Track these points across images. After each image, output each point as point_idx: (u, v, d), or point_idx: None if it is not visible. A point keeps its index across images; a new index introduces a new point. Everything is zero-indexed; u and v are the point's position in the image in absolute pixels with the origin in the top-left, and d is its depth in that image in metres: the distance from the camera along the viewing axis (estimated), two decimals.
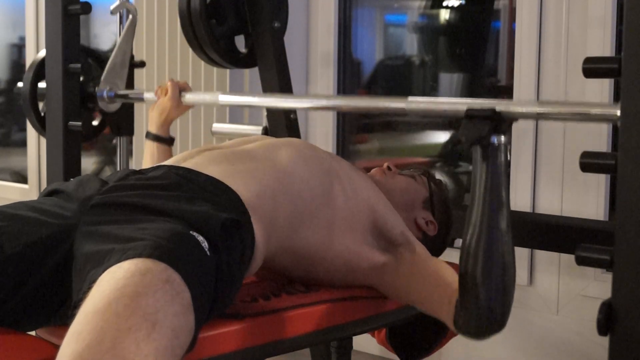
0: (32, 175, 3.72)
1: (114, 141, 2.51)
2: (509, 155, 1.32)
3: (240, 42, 2.22)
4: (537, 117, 1.37)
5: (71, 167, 2.23)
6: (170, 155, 1.93)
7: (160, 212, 1.21)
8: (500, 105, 1.33)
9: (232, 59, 2.20)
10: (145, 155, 1.96)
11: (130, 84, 2.31)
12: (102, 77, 2.23)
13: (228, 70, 2.70)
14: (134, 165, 2.80)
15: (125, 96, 2.24)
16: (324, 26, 2.83)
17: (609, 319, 1.15)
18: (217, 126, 2.37)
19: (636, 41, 1.12)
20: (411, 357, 1.75)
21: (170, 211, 1.21)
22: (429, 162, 2.87)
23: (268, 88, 2.15)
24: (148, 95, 2.12)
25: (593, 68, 1.24)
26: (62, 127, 2.20)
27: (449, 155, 2.86)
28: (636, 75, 1.13)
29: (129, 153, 2.49)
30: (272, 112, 2.16)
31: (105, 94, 2.23)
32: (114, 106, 2.28)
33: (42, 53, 2.28)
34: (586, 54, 2.15)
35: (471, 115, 1.32)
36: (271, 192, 1.40)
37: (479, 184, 1.31)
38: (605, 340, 1.17)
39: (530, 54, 2.31)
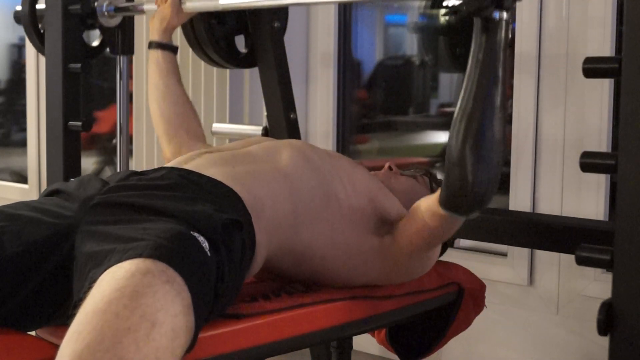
0: (32, 175, 3.72)
1: (114, 141, 2.51)
2: (509, 34, 1.29)
3: (240, 42, 2.22)
4: None
5: (71, 167, 2.23)
6: (176, 64, 1.92)
7: (161, 213, 1.21)
8: None
9: (232, 59, 2.20)
10: (151, 68, 1.92)
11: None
12: None
13: (228, 70, 2.70)
14: (134, 165, 2.81)
15: (125, 9, 2.22)
16: (324, 26, 2.83)
17: (609, 319, 1.15)
18: (217, 126, 2.38)
19: (636, 41, 1.12)
20: (411, 357, 1.75)
21: (171, 211, 1.21)
22: (429, 162, 2.87)
23: (268, 88, 2.15)
24: (148, 7, 2.10)
25: (593, 68, 1.24)
26: (62, 127, 2.20)
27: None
28: (636, 75, 1.13)
29: (129, 153, 2.49)
30: (272, 112, 2.16)
31: (105, 8, 2.22)
32: (114, 21, 2.26)
33: None
34: (586, 54, 2.15)
35: None
36: (272, 193, 1.40)
37: (475, 57, 1.28)
38: (605, 340, 1.17)
39: (530, 54, 2.31)
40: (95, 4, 2.22)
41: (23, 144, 3.81)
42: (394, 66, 3.01)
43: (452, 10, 1.27)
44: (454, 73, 2.88)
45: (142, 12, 2.16)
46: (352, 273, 1.50)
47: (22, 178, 3.89)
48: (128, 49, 2.35)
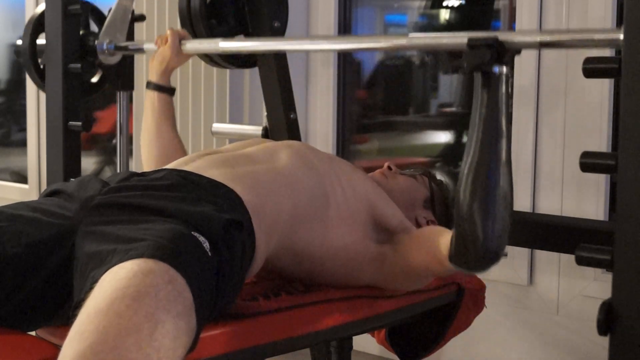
0: (32, 175, 3.72)
1: (114, 141, 2.51)
2: (510, 88, 1.31)
3: None
4: (540, 46, 1.35)
5: (71, 167, 2.23)
6: (171, 107, 1.92)
7: (162, 213, 1.22)
8: (502, 35, 1.32)
9: (232, 59, 2.20)
10: (146, 106, 1.92)
11: (130, 38, 2.30)
12: (102, 31, 2.21)
13: (228, 70, 2.70)
14: (134, 165, 2.80)
15: (125, 48, 2.23)
16: (324, 26, 2.83)
17: (609, 319, 1.15)
18: (217, 126, 2.37)
19: (636, 41, 1.12)
20: (411, 357, 1.75)
21: (172, 212, 1.21)
22: (429, 162, 2.87)
23: (268, 88, 2.15)
24: (148, 46, 2.11)
25: (593, 68, 1.24)
26: (62, 127, 2.20)
27: (449, 155, 2.86)
28: (636, 75, 1.13)
29: (129, 153, 2.49)
30: (272, 112, 2.16)
31: (105, 47, 2.22)
32: (114, 59, 2.26)
33: (41, 8, 2.27)
34: (586, 54, 2.15)
35: (473, 44, 1.31)
36: (272, 194, 1.40)
37: (478, 112, 1.29)
38: (605, 340, 1.17)
39: (530, 54, 2.31)
40: (96, 42, 2.22)
41: (23, 144, 3.81)
42: (394, 66, 3.01)
43: (454, 67, 1.29)
44: (454, 73, 2.88)
45: (141, 51, 2.18)
46: (349, 275, 1.50)
47: (22, 178, 3.89)
48: (128, 85, 2.36)
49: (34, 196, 3.60)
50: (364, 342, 2.34)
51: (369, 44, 1.83)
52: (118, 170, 2.43)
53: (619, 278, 1.15)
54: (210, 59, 2.19)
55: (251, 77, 2.75)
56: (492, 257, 1.30)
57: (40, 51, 2.28)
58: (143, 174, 1.40)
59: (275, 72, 2.12)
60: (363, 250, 1.49)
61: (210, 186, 1.34)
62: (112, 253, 1.10)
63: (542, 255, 2.33)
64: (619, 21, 2.16)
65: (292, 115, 2.15)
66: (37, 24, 2.27)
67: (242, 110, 2.83)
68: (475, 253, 1.29)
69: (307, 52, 2.63)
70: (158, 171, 1.41)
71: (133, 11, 2.27)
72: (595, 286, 2.23)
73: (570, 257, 1.95)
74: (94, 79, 2.36)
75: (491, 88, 1.29)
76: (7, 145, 4.43)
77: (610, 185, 2.21)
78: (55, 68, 2.21)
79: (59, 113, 2.20)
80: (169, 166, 1.48)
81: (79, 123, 2.20)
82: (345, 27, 2.86)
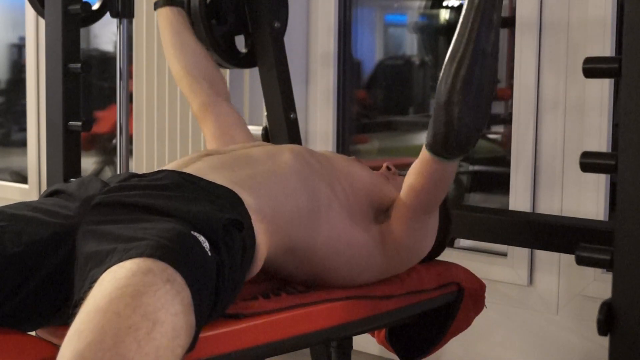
0: (32, 175, 3.72)
1: (114, 141, 2.51)
2: None
3: (240, 42, 2.22)
4: None
5: (71, 167, 2.23)
6: (186, 19, 1.91)
7: (162, 212, 1.22)
8: None
9: (232, 59, 2.20)
10: (162, 27, 1.89)
11: None
12: None
13: (228, 70, 2.70)
14: (134, 165, 2.81)
15: None
16: (324, 26, 2.83)
17: (609, 319, 1.15)
18: None
19: (636, 41, 1.12)
20: (411, 357, 1.75)
21: (172, 211, 1.21)
22: None
23: (268, 88, 2.15)
24: None
25: (593, 68, 1.24)
26: (62, 127, 2.20)
27: None
28: (636, 75, 1.13)
29: (129, 153, 2.49)
30: (272, 112, 2.16)
31: None
32: None
33: None
34: (586, 54, 2.15)
35: None
36: (272, 195, 1.40)
37: (471, 1, 1.30)
38: (605, 340, 1.17)
39: (530, 54, 2.31)
40: None
41: (23, 144, 3.81)
42: (394, 66, 3.01)
43: None
44: None
45: None
46: (353, 271, 1.50)
47: (22, 178, 3.89)
48: (128, 12, 2.33)
49: (34, 196, 3.60)
50: (364, 342, 2.34)
51: None
52: (118, 171, 2.43)
53: (619, 278, 1.15)
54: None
55: (251, 77, 2.75)
56: (465, 142, 1.33)
57: None
58: (143, 175, 1.40)
59: (275, 72, 2.12)
60: (367, 239, 1.50)
61: (210, 187, 1.34)
62: (111, 252, 1.10)
63: (542, 255, 2.33)
64: (619, 21, 2.16)
65: (292, 115, 2.15)
66: None
67: (242, 110, 2.83)
68: (448, 137, 1.32)
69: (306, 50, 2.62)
70: (158, 172, 1.41)
71: None
72: (595, 286, 2.23)
73: (570, 257, 1.95)
74: (95, 6, 2.34)
75: None
76: (7, 145, 4.43)
77: (610, 185, 2.21)
78: (55, 68, 2.21)
79: (59, 113, 2.20)
80: (169, 167, 1.48)
81: (79, 123, 2.20)
82: (345, 27, 2.86)
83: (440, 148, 1.36)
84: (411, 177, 1.47)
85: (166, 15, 1.89)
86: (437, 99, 1.33)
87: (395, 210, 1.51)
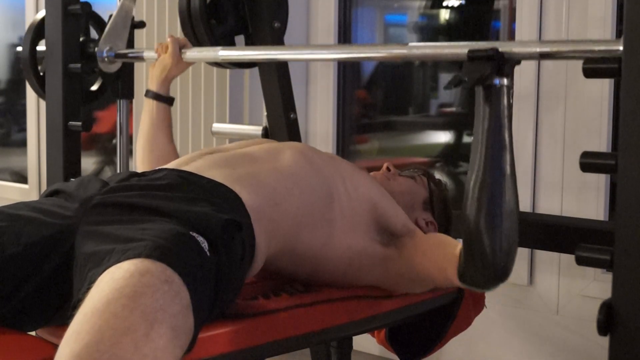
0: (32, 175, 3.72)
1: (114, 141, 2.51)
2: (511, 99, 1.31)
3: (240, 42, 2.22)
4: (540, 57, 1.36)
5: (71, 167, 2.23)
6: (169, 117, 1.93)
7: (161, 213, 1.21)
8: (502, 45, 1.33)
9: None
10: (144, 115, 1.93)
11: (130, 45, 2.29)
12: (102, 38, 2.21)
13: (228, 70, 2.70)
14: (133, 165, 2.81)
15: (125, 55, 2.22)
16: (324, 26, 2.83)
17: (609, 319, 1.15)
18: (217, 126, 2.37)
19: (636, 41, 1.12)
20: (411, 357, 1.75)
21: (171, 212, 1.21)
22: (429, 162, 2.87)
23: (268, 88, 2.15)
24: (148, 54, 2.11)
25: (593, 68, 1.24)
26: (62, 127, 2.20)
27: (449, 155, 2.86)
28: (636, 75, 1.12)
29: (129, 153, 2.49)
30: (272, 112, 2.16)
31: (105, 54, 2.21)
32: (114, 66, 2.26)
33: (41, 14, 2.26)
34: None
35: (473, 56, 1.31)
36: (273, 195, 1.40)
37: (481, 126, 1.30)
38: (605, 340, 1.16)
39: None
40: (96, 49, 2.22)
41: (23, 144, 3.81)
42: (394, 66, 3.01)
43: (455, 82, 1.28)
44: (454, 73, 2.88)
45: (141, 59, 2.17)
46: (351, 276, 1.50)
47: (22, 178, 3.89)
48: (128, 93, 2.35)
49: (34, 196, 3.60)
50: (364, 342, 2.34)
51: (368, 53, 1.83)
52: (118, 170, 2.43)
53: (619, 278, 1.15)
54: None
55: (251, 77, 2.75)
56: (501, 273, 1.30)
57: (40, 58, 2.27)
58: (142, 174, 1.40)
59: (275, 72, 2.12)
60: (366, 252, 1.49)
61: (209, 186, 1.34)
62: (110, 253, 1.10)
63: (542, 255, 2.33)
64: (619, 21, 2.16)
65: (292, 115, 2.15)
66: (37, 30, 2.26)
67: (242, 110, 2.83)
68: (484, 270, 1.30)
69: (306, 62, 2.63)
70: (157, 171, 1.41)
71: (133, 17, 2.27)
72: (595, 286, 2.23)
73: (570, 257, 1.95)
74: (94, 87, 2.36)
75: (493, 101, 1.29)
76: (7, 145, 4.43)
77: (610, 185, 2.21)
78: (55, 68, 2.21)
79: (59, 113, 2.20)
80: (169, 166, 1.48)
81: (79, 123, 2.20)
82: (345, 27, 2.86)
83: (476, 281, 1.33)
84: (437, 262, 1.42)
85: (151, 108, 1.92)
86: (465, 229, 1.30)
87: (405, 261, 1.47)
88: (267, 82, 2.15)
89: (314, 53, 2.01)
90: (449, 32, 2.89)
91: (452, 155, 2.85)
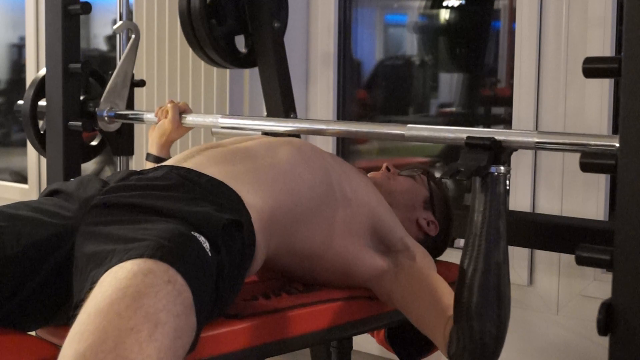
0: (32, 175, 3.72)
1: None
2: (508, 184, 1.33)
3: (240, 42, 2.22)
4: (536, 147, 1.39)
5: (71, 167, 2.23)
6: None
7: (162, 213, 1.21)
8: (499, 134, 1.35)
9: (232, 59, 2.20)
10: None
11: (130, 103, 2.30)
12: (103, 97, 2.21)
13: (228, 70, 2.70)
14: (134, 165, 2.80)
15: (125, 116, 2.23)
16: (324, 26, 2.83)
17: (609, 319, 1.15)
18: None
19: (636, 41, 1.12)
20: (411, 357, 1.75)
21: (172, 212, 1.21)
22: (429, 162, 2.87)
23: (268, 88, 2.15)
24: (148, 116, 2.12)
25: (593, 68, 1.24)
26: (62, 127, 2.20)
27: (449, 155, 2.86)
28: (636, 75, 1.12)
29: None
30: (272, 112, 2.16)
31: (105, 114, 2.22)
32: (114, 126, 2.27)
33: (43, 72, 2.27)
34: (586, 54, 2.15)
35: (471, 144, 1.33)
36: (272, 192, 1.40)
37: (477, 214, 1.32)
38: (605, 340, 1.16)
39: (530, 54, 2.31)
40: (96, 109, 2.22)
41: (23, 144, 3.80)
42: (394, 66, 3.01)
43: (452, 171, 1.29)
44: (454, 73, 2.88)
45: (141, 121, 2.17)
46: (349, 275, 1.50)
47: (22, 178, 3.89)
48: (127, 150, 2.35)
49: (34, 196, 3.60)
50: (364, 342, 2.34)
51: (368, 129, 1.81)
52: (118, 170, 2.43)
53: (619, 278, 1.15)
54: (210, 58, 2.20)
55: (251, 77, 2.75)
56: (489, 356, 1.31)
57: (40, 112, 2.27)
58: (142, 173, 1.39)
59: (275, 72, 2.12)
60: (362, 256, 1.48)
61: (210, 185, 1.34)
62: (111, 253, 1.10)
63: (542, 255, 2.33)
64: (619, 21, 2.16)
65: (292, 115, 2.15)
66: (39, 87, 2.26)
67: (242, 110, 2.83)
68: (472, 354, 1.30)
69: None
70: (157, 169, 1.40)
71: (133, 75, 2.27)
72: (595, 286, 2.23)
73: (570, 257, 1.95)
74: (94, 142, 2.37)
75: (489, 190, 1.31)
76: (7, 145, 4.43)
77: (610, 185, 2.21)
78: (55, 68, 2.21)
79: (59, 113, 2.20)
80: (169, 163, 1.48)
81: (79, 123, 2.20)
82: (345, 27, 2.86)
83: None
84: (432, 316, 1.41)
85: None
86: (457, 312, 1.31)
87: (399, 289, 1.46)
88: (267, 82, 2.15)
89: (313, 125, 1.95)
90: (449, 32, 2.89)
91: (452, 155, 2.85)
